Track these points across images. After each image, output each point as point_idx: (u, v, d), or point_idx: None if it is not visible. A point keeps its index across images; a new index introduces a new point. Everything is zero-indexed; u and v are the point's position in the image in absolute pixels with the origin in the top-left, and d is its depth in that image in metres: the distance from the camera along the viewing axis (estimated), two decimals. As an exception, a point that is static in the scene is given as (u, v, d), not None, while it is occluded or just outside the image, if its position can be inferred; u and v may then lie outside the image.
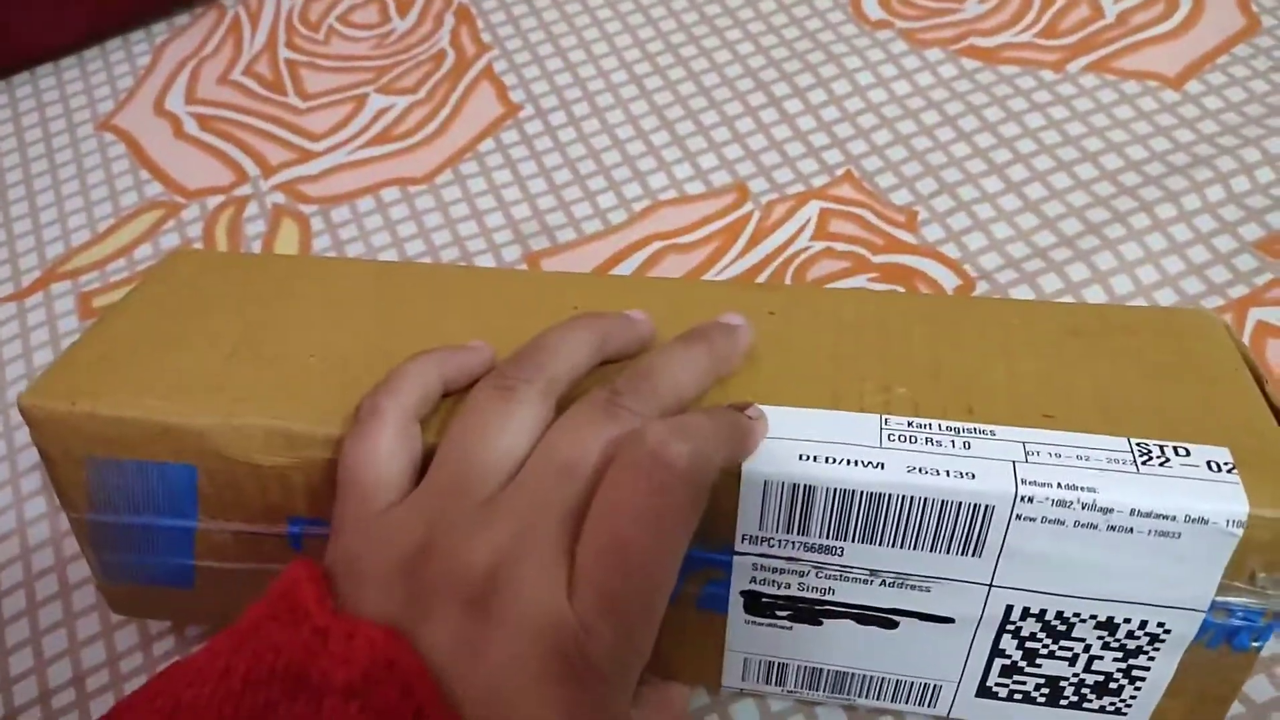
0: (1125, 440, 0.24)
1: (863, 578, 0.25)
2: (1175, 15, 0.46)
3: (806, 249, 0.40)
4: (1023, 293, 0.38)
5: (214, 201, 0.44)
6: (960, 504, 0.23)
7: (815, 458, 0.24)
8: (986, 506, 0.23)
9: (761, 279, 0.39)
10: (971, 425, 0.24)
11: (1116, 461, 0.23)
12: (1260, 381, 0.25)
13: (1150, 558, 0.23)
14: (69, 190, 0.46)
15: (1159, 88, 0.44)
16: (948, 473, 0.23)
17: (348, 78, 0.48)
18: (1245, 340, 0.36)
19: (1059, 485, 0.23)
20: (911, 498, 0.23)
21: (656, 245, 0.41)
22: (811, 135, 0.44)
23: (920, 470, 0.23)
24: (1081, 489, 0.23)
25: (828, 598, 0.25)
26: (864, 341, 0.27)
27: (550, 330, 0.25)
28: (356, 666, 0.19)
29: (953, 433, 0.24)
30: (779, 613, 0.26)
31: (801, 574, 0.25)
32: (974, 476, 0.23)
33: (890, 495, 0.23)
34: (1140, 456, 0.23)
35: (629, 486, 0.22)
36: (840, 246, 0.40)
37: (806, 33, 0.47)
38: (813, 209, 0.41)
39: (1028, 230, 0.40)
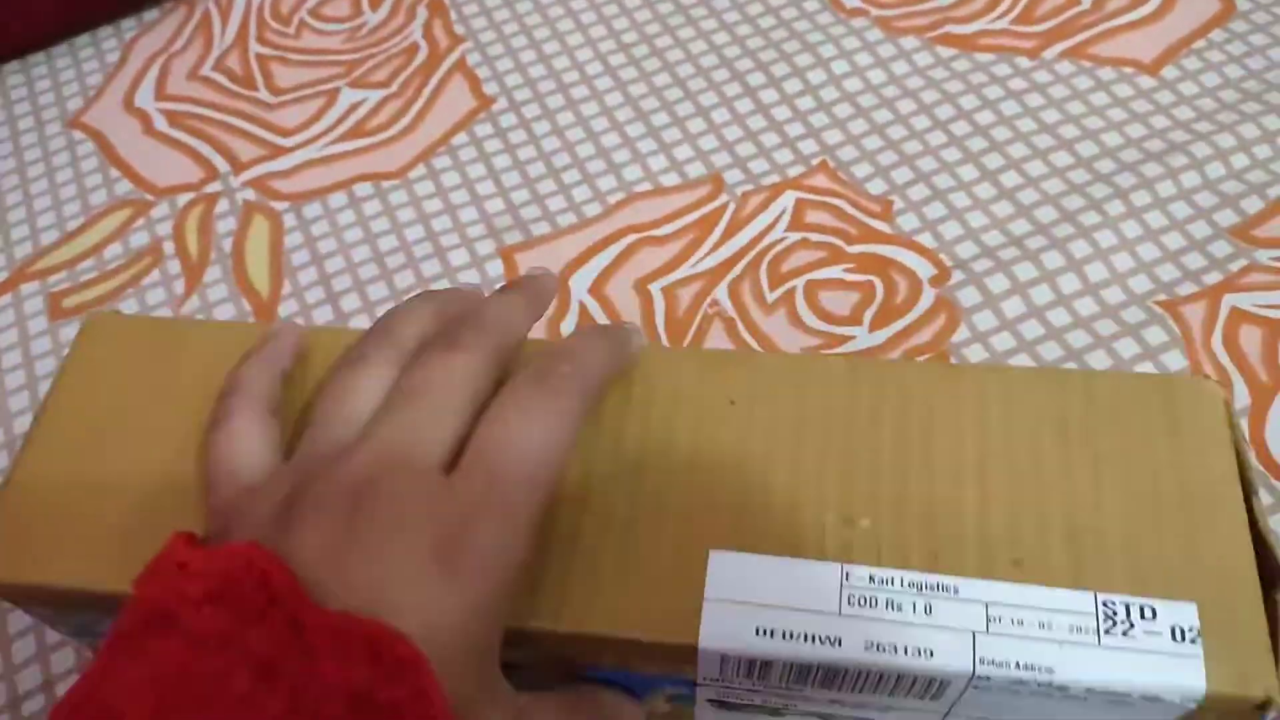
0: (1091, 598, 0.23)
1: (822, 705, 0.25)
2: (1151, 1, 0.46)
3: (782, 240, 0.40)
4: (998, 282, 0.38)
5: (184, 199, 0.44)
6: (917, 678, 0.23)
7: (772, 633, 0.23)
8: (943, 680, 0.23)
9: (737, 270, 0.39)
10: (935, 580, 0.23)
11: (1079, 630, 0.23)
12: (1249, 496, 0.24)
13: (1103, 716, 0.23)
14: (37, 189, 0.45)
15: (1135, 74, 0.44)
16: (905, 649, 0.23)
17: (319, 72, 0.48)
18: (1219, 327, 0.36)
19: (1016, 665, 0.22)
20: (869, 672, 0.23)
21: (631, 238, 0.41)
22: (787, 125, 0.43)
23: (878, 647, 0.23)
24: (1039, 669, 0.22)
25: (791, 709, 0.26)
26: (829, 449, 0.26)
27: (394, 308, 0.26)
28: (213, 577, 0.19)
29: (914, 590, 0.23)
30: (746, 709, 0.26)
31: (764, 697, 0.25)
32: (932, 655, 0.22)
33: (848, 671, 0.23)
34: (1104, 622, 0.23)
35: (519, 389, 0.23)
36: (816, 237, 0.40)
37: (782, 21, 0.47)
38: (788, 199, 0.41)
39: (1003, 218, 0.39)
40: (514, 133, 0.45)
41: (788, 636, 0.23)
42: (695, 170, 0.42)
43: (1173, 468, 0.25)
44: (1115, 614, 0.23)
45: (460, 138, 0.45)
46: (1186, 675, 0.22)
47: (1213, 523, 0.24)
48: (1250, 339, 0.36)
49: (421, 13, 0.49)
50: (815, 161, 0.42)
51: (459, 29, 0.49)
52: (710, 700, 0.26)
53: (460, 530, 0.21)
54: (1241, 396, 0.35)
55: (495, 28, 0.48)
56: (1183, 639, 0.22)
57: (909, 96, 0.44)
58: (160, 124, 0.47)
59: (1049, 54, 0.44)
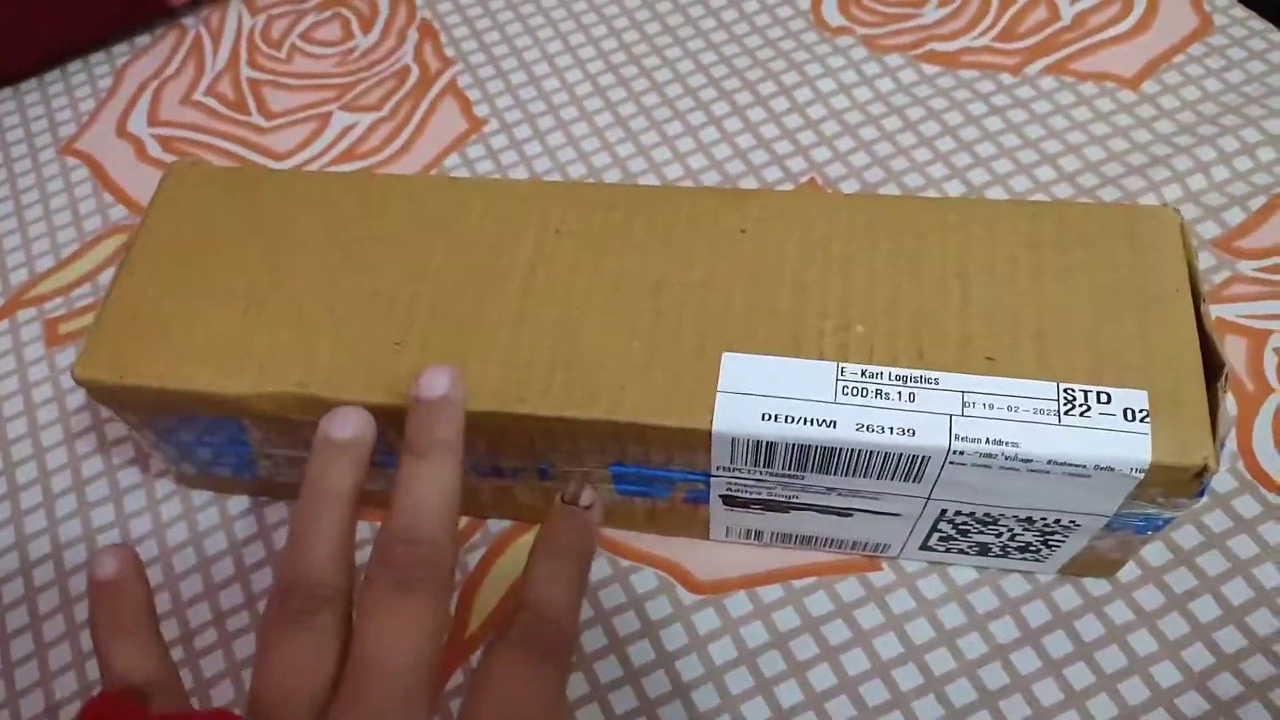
0: (1054, 386, 0.26)
1: (821, 491, 0.29)
2: (1130, 16, 0.46)
3: (773, 258, 0.40)
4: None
5: (179, 224, 0.44)
6: (901, 455, 0.27)
7: (776, 417, 0.27)
8: (924, 457, 0.26)
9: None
10: (918, 373, 0.27)
11: (1042, 412, 0.26)
12: (1198, 300, 0.28)
13: (1065, 489, 0.27)
14: (32, 216, 0.45)
15: (1116, 88, 0.44)
16: (891, 429, 0.26)
17: (311, 96, 0.48)
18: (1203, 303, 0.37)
19: (987, 440, 0.26)
20: (859, 451, 0.27)
21: (624, 257, 0.41)
22: (775, 143, 0.44)
23: (867, 428, 0.26)
24: (1006, 443, 0.26)
25: (792, 501, 0.30)
26: (830, 266, 0.29)
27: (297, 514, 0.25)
28: None
29: (900, 382, 0.27)
30: (753, 505, 0.30)
31: (769, 488, 0.29)
32: (914, 434, 0.26)
33: (841, 450, 0.27)
34: (1064, 405, 0.26)
35: (507, 665, 0.23)
36: (806, 254, 0.40)
37: (768, 41, 0.48)
38: (778, 217, 0.41)
39: (990, 234, 0.40)
40: (505, 154, 0.45)
41: (789, 420, 0.27)
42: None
43: (1132, 277, 0.28)
44: (1074, 399, 0.26)
45: (453, 159, 0.45)
46: (1134, 449, 0.25)
47: (1166, 323, 0.27)
48: (1235, 350, 0.37)
49: (412, 36, 0.50)
50: (804, 179, 0.43)
51: (449, 51, 0.49)
52: (722, 496, 0.30)
53: None
54: (1229, 406, 0.35)
55: (485, 50, 0.49)
56: (1133, 419, 0.26)
57: (894, 114, 0.44)
58: (154, 149, 0.47)
59: (1031, 70, 0.45)
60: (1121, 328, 0.27)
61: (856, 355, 0.28)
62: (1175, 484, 0.26)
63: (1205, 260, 0.39)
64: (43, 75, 0.50)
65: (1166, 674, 0.30)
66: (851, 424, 0.26)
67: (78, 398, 0.40)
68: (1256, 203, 0.40)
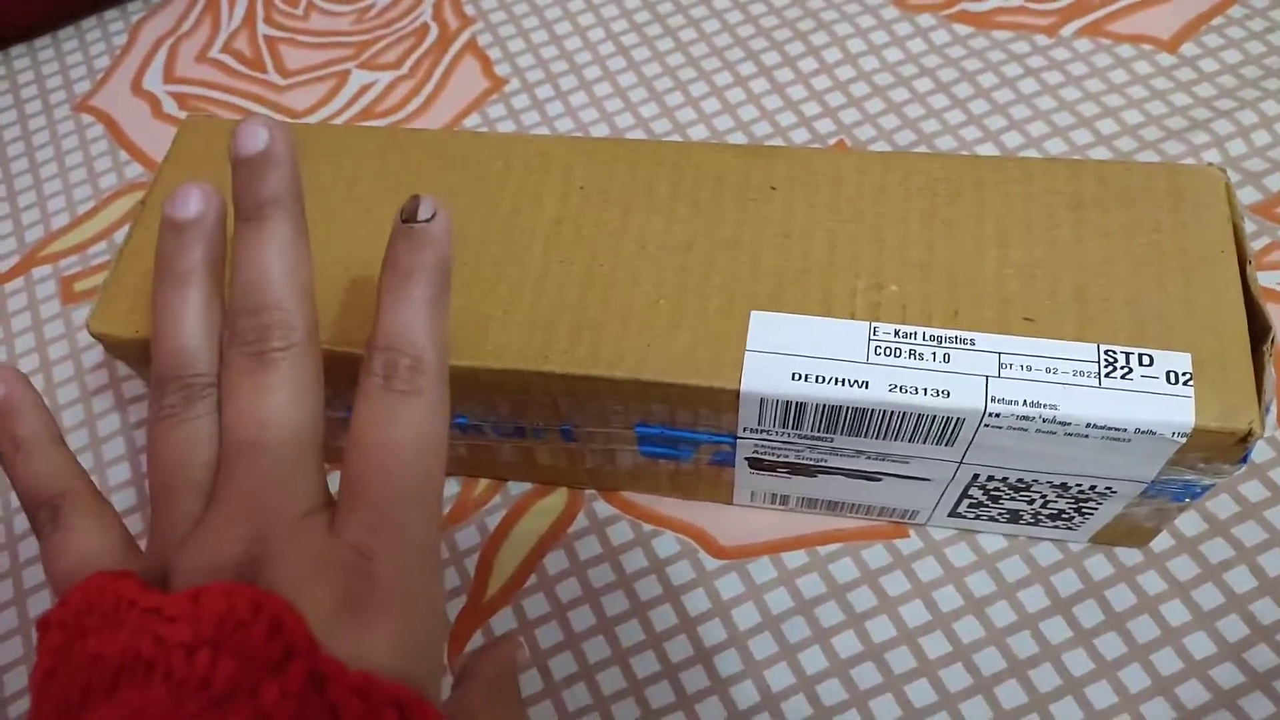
0: (1094, 348, 0.26)
1: (850, 455, 0.28)
2: (1170, -24, 0.45)
3: (799, 220, 0.39)
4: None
5: (195, 182, 0.43)
6: (935, 416, 0.26)
7: (806, 377, 0.26)
8: (958, 419, 0.26)
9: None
10: (954, 333, 0.26)
11: (1081, 374, 0.25)
12: (1243, 263, 0.27)
13: (1103, 453, 0.26)
14: (47, 173, 0.45)
15: (1154, 51, 0.43)
16: (925, 390, 0.25)
17: (328, 54, 0.47)
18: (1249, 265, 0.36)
19: (1024, 403, 0.25)
20: (892, 412, 0.26)
21: (647, 219, 0.40)
22: (803, 105, 0.43)
23: (901, 389, 0.25)
24: (1044, 405, 0.25)
25: (820, 464, 0.29)
26: (862, 224, 0.28)
27: (161, 308, 0.23)
28: (206, 623, 0.17)
29: (934, 343, 0.26)
30: (779, 469, 0.30)
31: (798, 451, 0.28)
32: (949, 395, 0.25)
33: (873, 409, 0.26)
34: (1105, 367, 0.25)
35: (369, 400, 0.21)
36: (833, 217, 0.39)
37: (796, 0, 0.46)
38: (805, 180, 0.40)
39: (1023, 198, 0.39)
40: (527, 114, 0.44)
41: (820, 380, 0.26)
42: (710, 150, 0.42)
43: (1175, 238, 0.27)
44: (1115, 360, 0.25)
45: (473, 119, 0.44)
46: (1177, 412, 0.25)
47: (1210, 286, 0.26)
48: (1275, 317, 0.36)
49: (431, -7, 0.49)
50: (832, 141, 0.42)
51: (469, 9, 0.48)
52: (748, 459, 0.29)
53: (366, 565, 0.19)
54: (1273, 372, 0.35)
55: (505, 8, 0.48)
56: (1176, 382, 0.25)
57: (926, 75, 0.43)
58: (169, 106, 0.47)
59: (1066, 31, 0.44)
60: (1164, 289, 0.27)
61: (889, 315, 0.27)
62: (1218, 449, 0.25)
63: (1246, 226, 0.38)
64: (56, 31, 0.50)
65: (1200, 645, 0.30)
66: (884, 384, 0.26)
67: (94, 355, 0.39)
68: (1298, 168, 0.39)
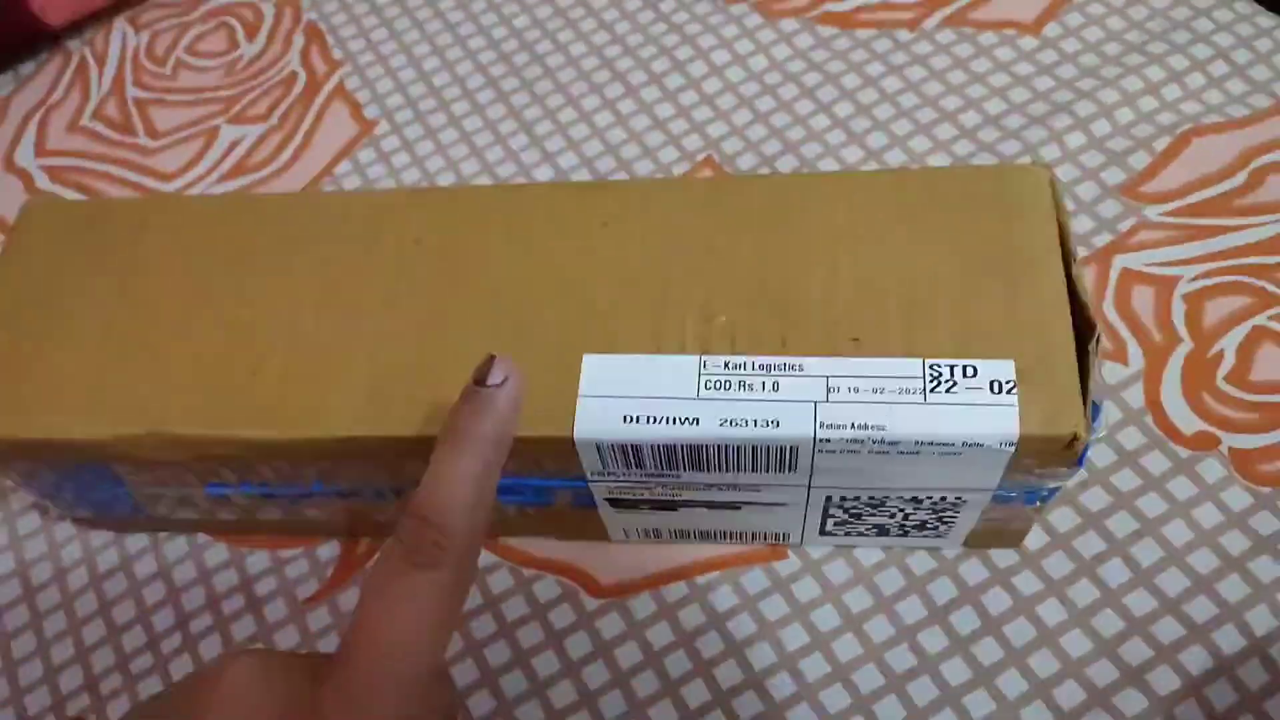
0: (919, 364, 0.26)
1: (701, 488, 0.28)
2: (1030, -42, 0.45)
3: (670, 242, 0.39)
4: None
5: (67, 257, 0.43)
6: (769, 446, 0.26)
7: (637, 418, 0.26)
8: (791, 447, 0.26)
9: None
10: (782, 360, 0.26)
11: (907, 391, 0.25)
12: (1068, 262, 0.27)
13: (939, 468, 0.26)
14: (-80, 260, 0.44)
15: (1017, 35, 0.43)
16: (755, 422, 0.25)
17: (198, 111, 0.47)
18: (1110, 291, 0.36)
19: (852, 425, 0.25)
20: (725, 446, 0.26)
21: (519, 254, 0.40)
22: (670, 123, 0.43)
23: (731, 422, 0.26)
24: (872, 427, 0.25)
25: (677, 499, 0.29)
26: (693, 255, 0.28)
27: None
28: None
29: (764, 372, 0.26)
30: (641, 506, 0.30)
31: (649, 488, 0.28)
32: (778, 424, 0.25)
33: (706, 446, 0.26)
34: (930, 382, 0.25)
35: (384, 569, 0.22)
36: (704, 236, 0.39)
37: (661, 15, 0.46)
38: (675, 199, 0.40)
39: (890, 199, 0.39)
40: (397, 156, 0.44)
41: (652, 420, 0.26)
42: (580, 176, 0.42)
43: (1002, 240, 0.27)
44: (940, 374, 0.25)
45: (344, 166, 0.44)
46: (1002, 422, 0.25)
47: (1035, 286, 0.26)
48: (1142, 299, 0.36)
49: (298, 40, 0.48)
50: (700, 157, 0.41)
51: (337, 53, 0.48)
52: (607, 499, 0.29)
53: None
54: (1136, 359, 0.35)
55: (373, 48, 0.47)
56: (1000, 391, 0.25)
57: (791, 81, 0.43)
58: (42, 181, 0.46)
59: (929, 24, 0.44)
60: (990, 295, 0.27)
61: (719, 346, 0.27)
62: (1048, 454, 0.25)
63: (1110, 209, 0.38)
64: (-74, 112, 0.49)
65: (1076, 643, 0.30)
66: (715, 419, 0.26)
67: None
68: (1162, 143, 0.39)
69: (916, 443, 0.25)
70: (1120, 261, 0.37)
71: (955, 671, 0.30)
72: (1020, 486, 0.27)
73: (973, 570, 0.31)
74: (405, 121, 0.45)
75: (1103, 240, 0.37)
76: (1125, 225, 0.37)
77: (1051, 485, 0.27)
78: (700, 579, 0.32)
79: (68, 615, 0.35)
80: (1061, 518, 0.32)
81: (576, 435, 0.26)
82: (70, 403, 0.29)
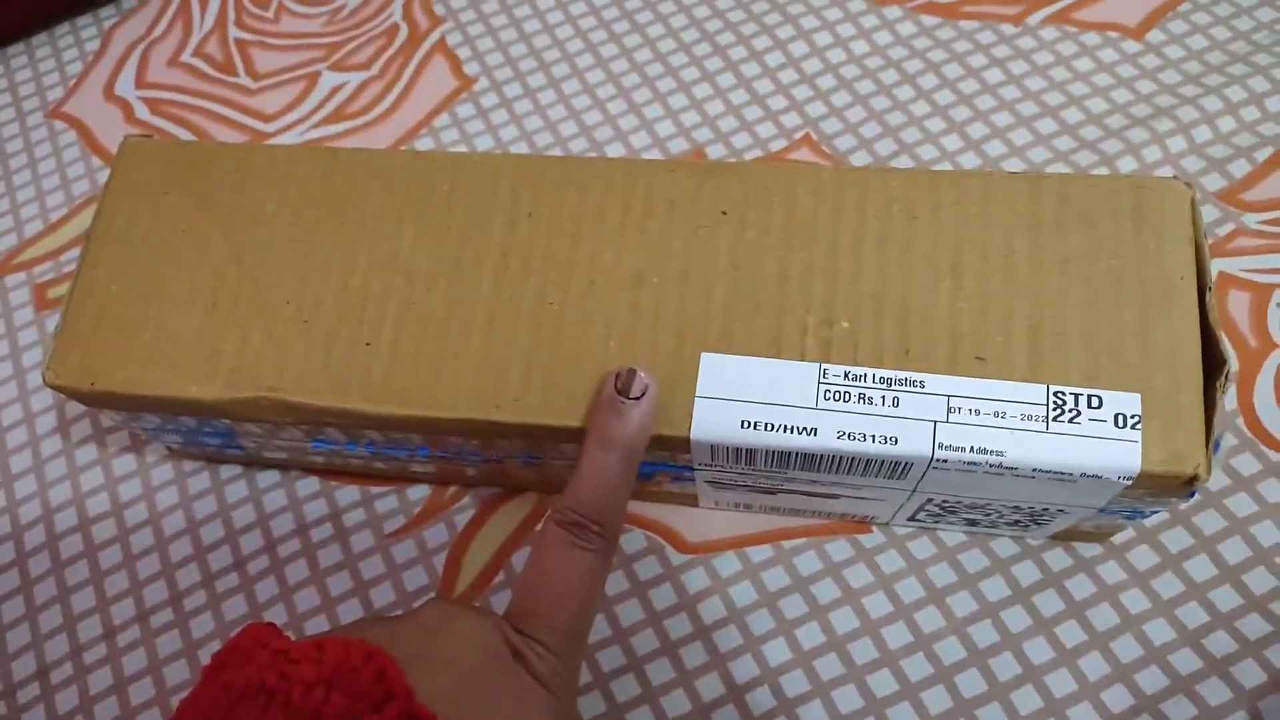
0: (1044, 389, 0.25)
1: (806, 485, 0.28)
2: (1136, -37, 0.45)
3: (766, 215, 0.39)
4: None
5: (166, 187, 0.44)
6: (883, 461, 0.26)
7: (755, 424, 0.26)
8: (907, 463, 0.26)
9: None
10: (904, 375, 0.26)
11: (1030, 418, 0.25)
12: (1203, 291, 0.26)
13: (1051, 491, 0.26)
14: (20, 180, 0.45)
15: (1120, 38, 0.43)
16: (873, 438, 0.25)
17: (299, 56, 0.47)
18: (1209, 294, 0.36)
19: (971, 449, 0.25)
20: (840, 458, 0.26)
21: (614, 216, 0.40)
22: (769, 99, 0.43)
23: (849, 435, 0.25)
24: (991, 451, 0.25)
25: (779, 488, 0.29)
26: (815, 251, 0.28)
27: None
28: (326, 665, 0.20)
29: (884, 385, 0.26)
30: (739, 489, 0.30)
31: (754, 479, 0.29)
32: (896, 442, 0.25)
33: (822, 456, 0.26)
34: (1054, 410, 0.25)
35: (543, 544, 0.25)
36: (799, 211, 0.39)
37: (764, -6, 0.46)
38: (772, 174, 0.41)
39: (988, 188, 0.39)
40: (495, 113, 0.44)
41: (769, 428, 0.26)
42: (678, 145, 0.42)
43: (1135, 263, 0.27)
44: (1064, 403, 0.25)
45: (442, 119, 0.44)
46: (1124, 457, 0.24)
47: (1168, 313, 0.26)
48: (1239, 304, 0.36)
49: (401, -7, 0.49)
50: (799, 135, 0.42)
51: (439, 9, 0.48)
52: (708, 481, 0.29)
53: (518, 645, 0.24)
54: (1230, 363, 0.35)
55: (475, 7, 0.48)
56: (1124, 425, 0.25)
57: (892, 67, 0.43)
58: (142, 112, 0.47)
59: (1033, 20, 0.44)
60: (1120, 322, 0.26)
61: (840, 355, 0.26)
62: (1163, 489, 0.25)
63: (1209, 214, 0.38)
64: (30, 39, 0.50)
65: (1160, 631, 0.30)
66: (833, 431, 0.25)
67: (67, 362, 0.39)
68: (1263, 154, 0.39)
69: (1034, 470, 0.25)
70: (1217, 265, 0.37)
71: (1037, 650, 0.30)
72: (1126, 508, 0.27)
73: (1057, 557, 0.32)
74: (505, 80, 0.45)
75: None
76: (1224, 230, 0.38)
77: (1155, 509, 0.27)
78: (786, 544, 0.33)
79: (155, 533, 0.35)
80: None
81: (693, 437, 0.26)
82: (184, 362, 0.29)
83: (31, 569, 0.35)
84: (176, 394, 0.28)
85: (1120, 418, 0.25)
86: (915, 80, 0.43)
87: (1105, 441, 0.25)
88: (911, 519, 0.31)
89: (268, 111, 0.46)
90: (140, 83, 0.48)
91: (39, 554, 0.35)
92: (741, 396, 0.26)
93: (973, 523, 0.30)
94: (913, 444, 0.25)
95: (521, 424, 0.27)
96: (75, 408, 0.38)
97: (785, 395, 0.26)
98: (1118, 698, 0.29)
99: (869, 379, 0.26)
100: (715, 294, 0.27)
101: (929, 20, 0.44)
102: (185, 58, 0.48)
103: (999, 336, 0.26)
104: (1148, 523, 0.32)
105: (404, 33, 0.47)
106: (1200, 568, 0.31)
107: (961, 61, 0.43)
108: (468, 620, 0.24)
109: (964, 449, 0.25)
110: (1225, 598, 0.30)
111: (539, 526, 0.26)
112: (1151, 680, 0.29)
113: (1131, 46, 0.43)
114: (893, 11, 0.45)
